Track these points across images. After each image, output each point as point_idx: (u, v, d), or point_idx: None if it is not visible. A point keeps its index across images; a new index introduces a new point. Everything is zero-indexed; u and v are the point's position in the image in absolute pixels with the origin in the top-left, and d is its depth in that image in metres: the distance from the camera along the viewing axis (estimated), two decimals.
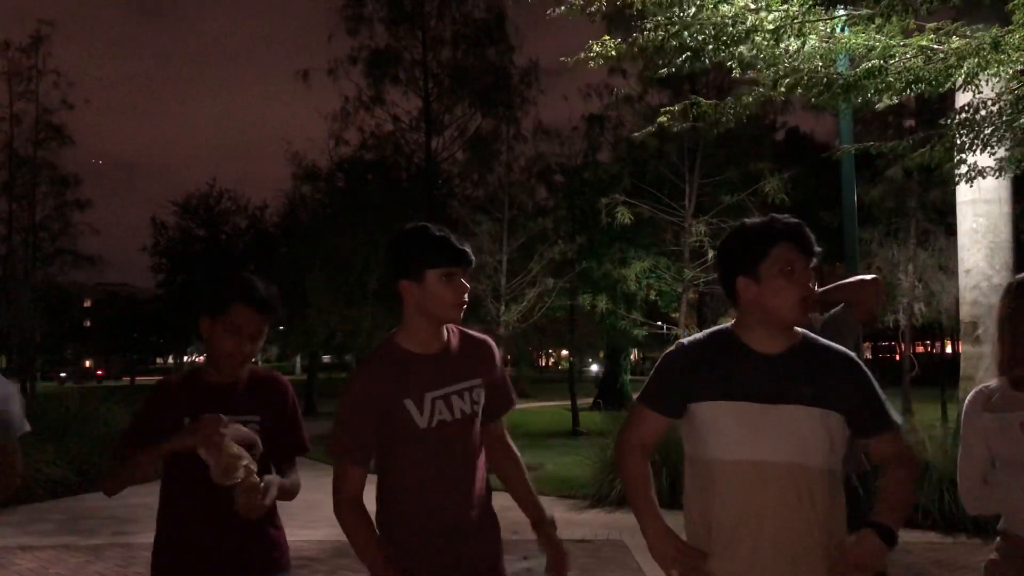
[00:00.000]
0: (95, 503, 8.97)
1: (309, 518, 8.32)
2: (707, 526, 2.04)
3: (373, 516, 2.21)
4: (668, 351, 2.18)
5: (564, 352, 25.84)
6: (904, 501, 2.05)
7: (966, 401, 2.52)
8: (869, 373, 2.10)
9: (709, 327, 2.28)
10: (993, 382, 2.49)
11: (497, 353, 2.40)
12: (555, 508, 8.55)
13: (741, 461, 1.98)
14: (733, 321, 2.16)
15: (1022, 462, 2.35)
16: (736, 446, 1.99)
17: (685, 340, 2.16)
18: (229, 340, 2.33)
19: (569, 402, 18.64)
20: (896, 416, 2.10)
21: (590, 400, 23.05)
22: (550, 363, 71.84)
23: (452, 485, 2.22)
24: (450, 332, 2.29)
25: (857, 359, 2.12)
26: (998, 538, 2.45)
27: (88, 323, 54.53)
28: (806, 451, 1.97)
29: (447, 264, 2.18)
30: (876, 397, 2.07)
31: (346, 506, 2.15)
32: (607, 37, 5.38)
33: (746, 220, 2.14)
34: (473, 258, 2.21)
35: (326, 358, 41.02)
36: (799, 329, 2.11)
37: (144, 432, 2.34)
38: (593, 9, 5.16)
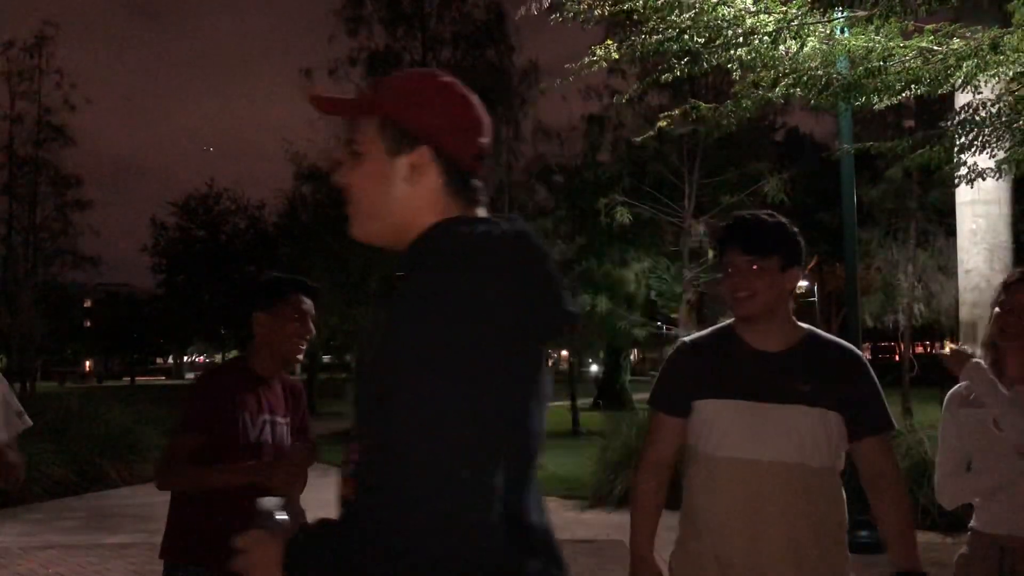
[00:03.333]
0: (96, 503, 8.97)
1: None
2: (707, 517, 2.06)
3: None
4: (672, 352, 2.26)
5: (564, 352, 25.77)
6: (913, 531, 2.08)
7: (946, 398, 2.55)
8: (872, 372, 2.10)
9: (708, 327, 2.32)
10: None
11: None
12: (556, 508, 8.60)
13: (739, 459, 2.00)
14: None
15: (994, 459, 2.37)
16: (735, 444, 2.01)
17: (688, 339, 2.23)
18: (291, 324, 2.51)
19: (569, 402, 18.64)
20: (894, 420, 2.10)
21: (590, 400, 23.04)
22: (549, 363, 71.86)
23: None
24: None
25: (862, 357, 2.12)
26: (968, 533, 2.48)
27: (88, 323, 54.52)
28: (803, 450, 1.98)
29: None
30: (876, 397, 2.07)
31: None
32: (609, 41, 5.37)
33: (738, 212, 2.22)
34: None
35: (326, 358, 40.99)
36: (804, 326, 2.13)
37: (201, 422, 2.43)
38: (596, 14, 5.16)
